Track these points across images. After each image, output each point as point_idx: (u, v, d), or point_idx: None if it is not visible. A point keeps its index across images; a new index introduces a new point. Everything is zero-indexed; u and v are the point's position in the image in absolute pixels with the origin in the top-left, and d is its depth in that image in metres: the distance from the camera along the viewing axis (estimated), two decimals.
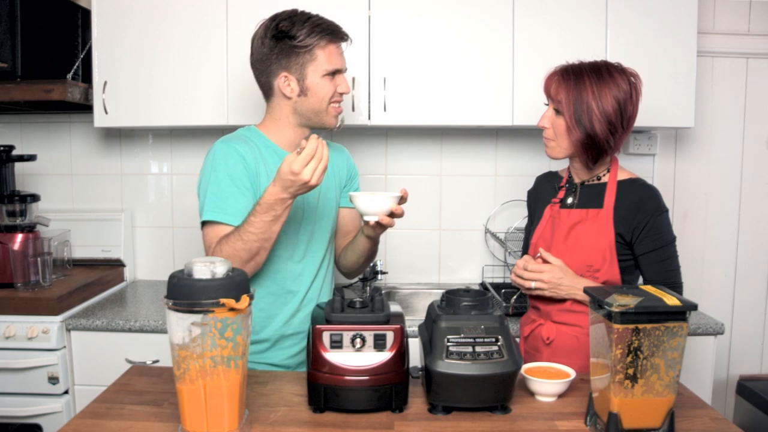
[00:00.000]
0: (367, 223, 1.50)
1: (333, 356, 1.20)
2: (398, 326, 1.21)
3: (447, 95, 2.20)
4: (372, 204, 1.42)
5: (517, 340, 1.66)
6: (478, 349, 1.19)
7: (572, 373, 1.31)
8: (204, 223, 1.50)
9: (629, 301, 1.06)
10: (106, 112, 2.22)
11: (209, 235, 1.49)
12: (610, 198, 1.53)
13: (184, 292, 1.04)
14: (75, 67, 2.29)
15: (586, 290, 1.18)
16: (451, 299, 1.27)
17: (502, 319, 1.23)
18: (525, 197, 1.79)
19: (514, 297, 2.09)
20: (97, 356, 2.04)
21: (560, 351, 1.53)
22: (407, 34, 2.19)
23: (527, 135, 2.52)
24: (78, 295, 2.17)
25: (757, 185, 2.58)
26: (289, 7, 1.57)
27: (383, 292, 1.47)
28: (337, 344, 1.20)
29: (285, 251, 1.57)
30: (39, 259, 2.17)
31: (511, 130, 2.53)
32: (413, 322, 1.80)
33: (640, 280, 1.58)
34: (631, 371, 1.07)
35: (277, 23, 1.53)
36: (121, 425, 1.16)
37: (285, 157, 1.33)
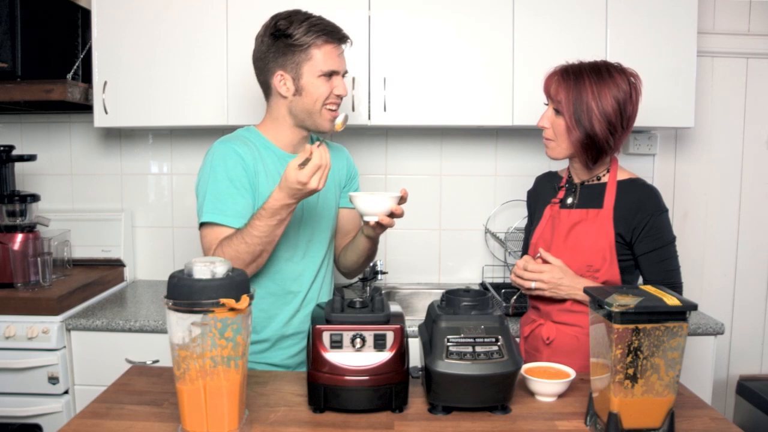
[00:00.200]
0: (367, 223, 1.50)
1: (333, 356, 1.20)
2: (398, 326, 1.21)
3: (447, 95, 2.20)
4: (372, 204, 1.42)
5: (517, 340, 1.66)
6: (478, 349, 1.19)
7: (572, 373, 1.31)
8: (202, 225, 1.50)
9: (629, 301, 1.06)
10: (106, 112, 2.22)
11: (208, 236, 1.49)
12: (609, 198, 1.53)
13: (184, 292, 1.04)
14: (75, 67, 2.29)
15: (586, 290, 1.18)
16: (451, 299, 1.27)
17: (502, 319, 1.23)
18: (525, 197, 1.79)
19: (514, 297, 2.09)
20: (97, 356, 2.04)
21: (560, 351, 1.53)
22: (407, 34, 2.19)
23: (527, 135, 2.52)
24: (78, 295, 2.17)
25: (757, 185, 2.58)
26: (289, 7, 1.57)
27: (383, 292, 1.47)
28: (337, 344, 1.20)
29: (285, 252, 1.57)
30: (39, 259, 2.17)
31: (511, 130, 2.53)
32: (413, 322, 1.80)
33: (640, 280, 1.58)
34: (631, 371, 1.07)
35: (276, 22, 1.53)
36: (121, 425, 1.16)
37: (289, 163, 1.33)
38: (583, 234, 1.53)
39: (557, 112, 1.52)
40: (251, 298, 1.07)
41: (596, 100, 1.46)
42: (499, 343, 1.20)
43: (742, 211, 2.59)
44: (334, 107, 1.56)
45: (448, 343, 1.19)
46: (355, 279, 2.05)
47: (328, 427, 1.17)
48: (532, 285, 1.52)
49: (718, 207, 2.59)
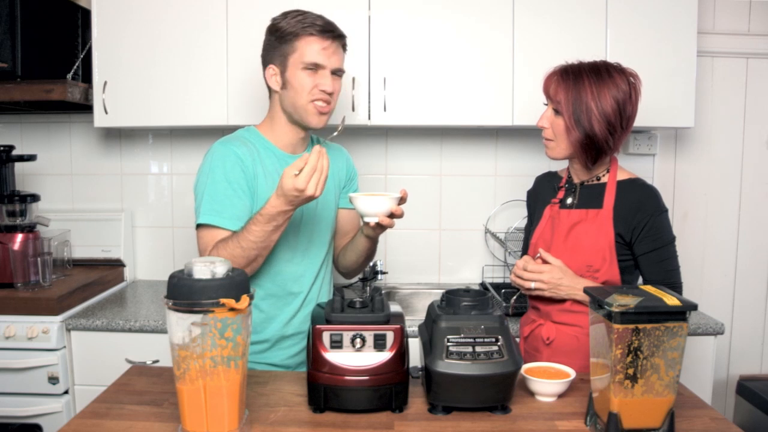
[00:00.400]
0: (366, 224, 1.50)
1: (333, 356, 1.20)
2: (398, 326, 1.21)
3: (447, 95, 2.20)
4: (372, 205, 1.42)
5: (517, 340, 1.67)
6: (478, 349, 1.19)
7: (572, 373, 1.31)
8: (199, 226, 1.50)
9: (629, 301, 1.06)
10: (106, 112, 2.22)
11: (205, 238, 1.48)
12: (609, 198, 1.53)
13: (184, 292, 1.04)
14: (75, 67, 2.29)
15: (586, 290, 1.18)
16: (451, 299, 1.27)
17: (502, 319, 1.23)
18: (525, 197, 1.79)
19: (514, 297, 2.09)
20: (97, 356, 2.04)
21: (560, 351, 1.53)
22: (407, 34, 2.19)
23: (527, 135, 2.52)
24: (78, 295, 2.17)
25: (757, 185, 2.58)
26: (289, 7, 1.58)
27: (383, 292, 1.47)
28: (337, 344, 1.20)
29: (285, 253, 1.57)
30: (39, 259, 2.17)
31: (511, 130, 2.53)
32: (413, 322, 1.80)
33: (640, 280, 1.58)
34: (631, 371, 1.07)
35: (274, 18, 1.55)
36: (121, 425, 1.16)
37: (284, 170, 1.31)
38: (583, 234, 1.53)
39: (557, 112, 1.52)
40: (251, 298, 1.07)
41: (595, 101, 1.46)
42: (499, 343, 1.20)
43: (742, 211, 2.59)
44: (321, 103, 1.52)
45: (448, 343, 1.19)
46: (355, 279, 2.04)
47: (328, 427, 1.17)
48: (532, 285, 1.52)
49: (718, 207, 2.59)
